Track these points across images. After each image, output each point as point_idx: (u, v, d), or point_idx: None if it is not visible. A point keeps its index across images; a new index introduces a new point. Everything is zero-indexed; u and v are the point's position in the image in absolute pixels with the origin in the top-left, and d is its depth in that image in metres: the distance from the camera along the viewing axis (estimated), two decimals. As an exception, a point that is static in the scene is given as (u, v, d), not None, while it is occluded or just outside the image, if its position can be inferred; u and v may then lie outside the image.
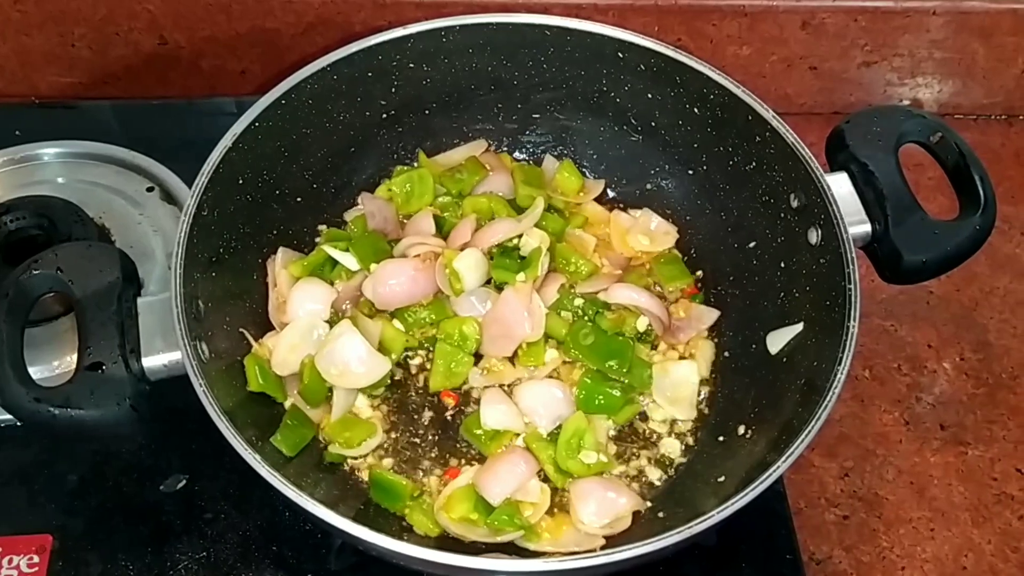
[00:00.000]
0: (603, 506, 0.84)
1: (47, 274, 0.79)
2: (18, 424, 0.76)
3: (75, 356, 0.77)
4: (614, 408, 0.90)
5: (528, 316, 0.92)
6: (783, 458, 0.72)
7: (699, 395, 0.93)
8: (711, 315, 0.97)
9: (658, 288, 0.99)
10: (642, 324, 0.94)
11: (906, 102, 1.26)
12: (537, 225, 0.98)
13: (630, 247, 1.01)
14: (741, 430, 0.87)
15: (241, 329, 0.88)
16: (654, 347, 0.95)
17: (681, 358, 0.95)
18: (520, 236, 0.96)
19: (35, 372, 0.87)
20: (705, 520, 0.69)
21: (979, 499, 0.95)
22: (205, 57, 1.20)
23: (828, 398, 0.75)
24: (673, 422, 0.92)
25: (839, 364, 0.76)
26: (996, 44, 1.19)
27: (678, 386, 0.92)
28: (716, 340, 0.96)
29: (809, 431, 0.73)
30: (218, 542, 0.87)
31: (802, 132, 0.89)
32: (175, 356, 0.77)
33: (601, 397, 0.90)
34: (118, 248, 0.83)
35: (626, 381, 0.91)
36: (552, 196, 1.02)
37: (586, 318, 0.94)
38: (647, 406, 0.92)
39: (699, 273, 1.01)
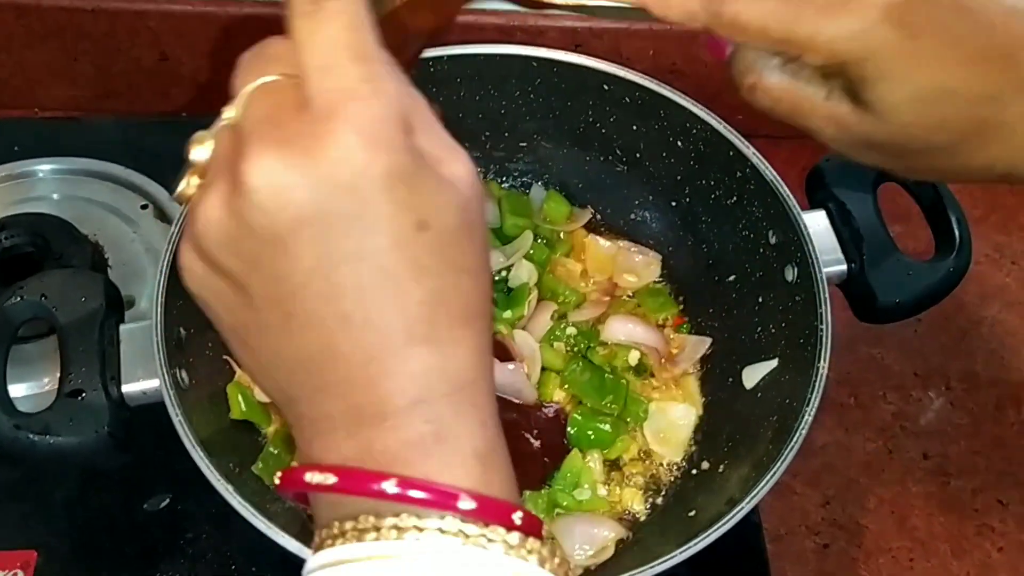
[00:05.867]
0: (586, 539, 0.84)
1: (32, 301, 0.80)
2: None
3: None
4: (606, 443, 0.90)
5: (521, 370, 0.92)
6: (747, 498, 0.72)
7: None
8: (703, 342, 0.96)
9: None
10: (633, 358, 0.94)
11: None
12: (525, 256, 0.98)
13: (611, 277, 1.01)
14: (707, 465, 0.88)
15: (224, 356, 0.88)
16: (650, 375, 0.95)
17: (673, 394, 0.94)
18: (509, 268, 0.97)
19: (24, 389, 0.89)
20: (668, 559, 0.70)
21: (959, 530, 0.95)
22: (204, 73, 1.21)
23: (795, 439, 0.75)
24: (659, 457, 0.91)
25: (807, 405, 0.76)
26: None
27: (672, 427, 0.92)
28: (694, 374, 0.96)
29: (775, 472, 0.73)
30: (199, 562, 0.88)
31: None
32: (154, 384, 0.77)
33: (592, 432, 0.90)
34: (103, 276, 0.84)
35: (627, 419, 0.91)
36: (539, 225, 1.02)
37: (577, 350, 0.95)
38: (635, 440, 0.92)
39: (680, 305, 1.00)
